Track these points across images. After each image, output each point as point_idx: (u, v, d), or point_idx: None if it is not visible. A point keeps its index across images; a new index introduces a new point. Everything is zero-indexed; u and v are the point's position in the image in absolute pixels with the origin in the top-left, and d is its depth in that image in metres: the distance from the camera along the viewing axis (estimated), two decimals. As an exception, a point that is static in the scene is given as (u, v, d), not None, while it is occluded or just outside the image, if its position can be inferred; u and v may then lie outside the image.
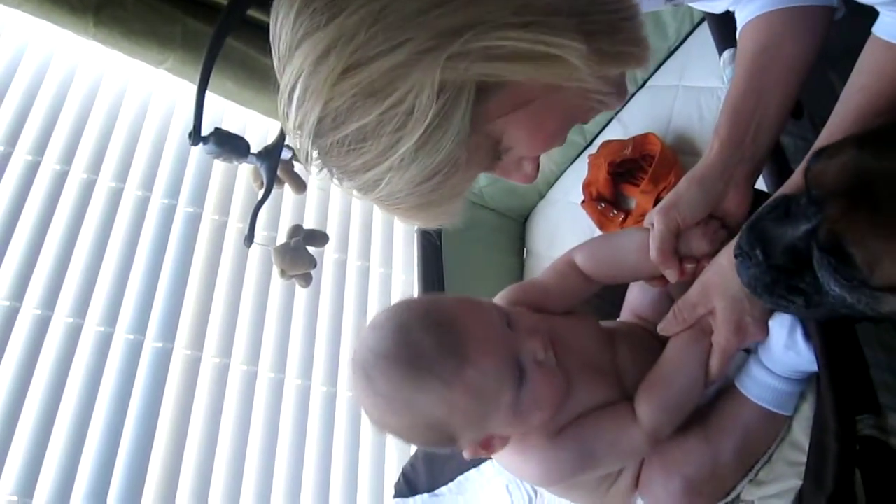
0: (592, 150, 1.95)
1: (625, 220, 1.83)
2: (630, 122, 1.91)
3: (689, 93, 1.79)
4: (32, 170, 1.92)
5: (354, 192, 0.78)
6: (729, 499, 1.05)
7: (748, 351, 1.05)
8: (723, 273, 0.99)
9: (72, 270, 1.87)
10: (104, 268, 1.91)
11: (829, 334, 0.94)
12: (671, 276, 1.06)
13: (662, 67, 1.90)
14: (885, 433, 0.89)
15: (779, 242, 0.82)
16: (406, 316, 0.98)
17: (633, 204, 1.85)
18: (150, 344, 1.88)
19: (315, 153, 0.75)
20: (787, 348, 0.98)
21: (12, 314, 1.76)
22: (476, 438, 0.99)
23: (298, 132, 0.74)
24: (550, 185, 2.16)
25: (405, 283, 2.21)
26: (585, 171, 1.93)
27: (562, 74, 0.72)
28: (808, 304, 0.83)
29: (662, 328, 1.05)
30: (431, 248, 2.00)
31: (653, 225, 1.07)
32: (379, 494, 1.88)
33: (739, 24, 1.12)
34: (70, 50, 2.07)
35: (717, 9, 1.17)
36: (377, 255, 2.26)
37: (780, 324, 0.98)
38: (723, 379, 1.06)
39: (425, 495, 1.59)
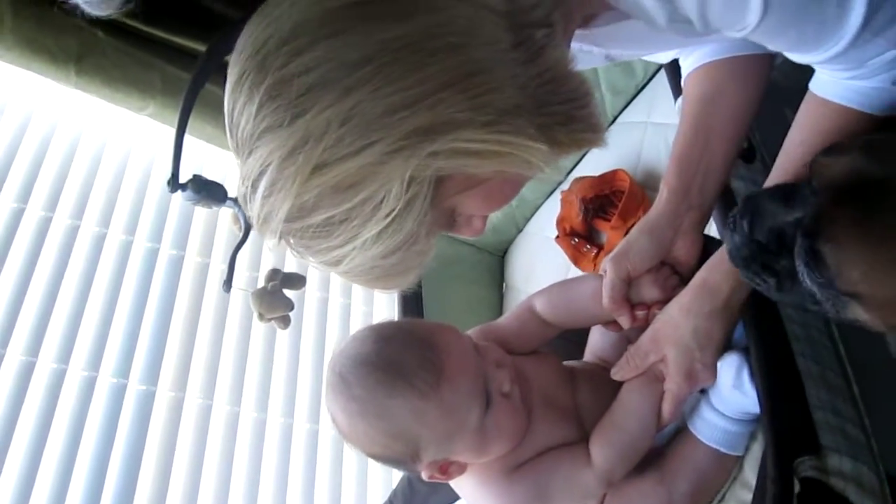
0: (566, 185, 1.98)
1: (598, 255, 1.86)
2: (601, 158, 1.95)
3: (657, 129, 1.83)
4: (16, 217, 1.95)
5: (317, 266, 0.80)
6: (684, 538, 1.07)
7: (703, 392, 1.08)
8: (673, 322, 1.03)
9: (56, 315, 1.89)
10: (88, 312, 1.94)
11: (772, 375, 0.97)
12: (623, 322, 1.09)
13: (631, 105, 1.94)
14: (825, 474, 0.91)
15: (768, 221, 0.85)
16: (389, 330, 1.04)
17: (605, 239, 1.88)
18: (135, 387, 1.90)
19: (278, 236, 0.76)
20: (734, 388, 1.01)
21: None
22: (437, 459, 1.03)
23: (264, 221, 0.75)
24: (527, 219, 2.19)
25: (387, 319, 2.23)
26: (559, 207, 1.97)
27: (522, 167, 0.75)
28: (780, 287, 0.86)
29: (615, 373, 1.09)
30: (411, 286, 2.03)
31: (605, 272, 1.10)
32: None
33: (684, 73, 1.15)
34: (50, 107, 2.11)
35: (662, 59, 1.21)
36: (359, 293, 2.28)
37: (728, 364, 1.02)
38: (679, 420, 1.10)
39: (405, 530, 1.62)
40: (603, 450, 1.04)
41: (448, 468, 1.05)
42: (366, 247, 0.73)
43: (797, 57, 0.86)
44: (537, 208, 2.17)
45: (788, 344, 1.02)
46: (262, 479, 1.94)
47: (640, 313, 1.08)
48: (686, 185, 1.09)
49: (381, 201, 0.70)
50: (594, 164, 1.97)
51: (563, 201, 1.95)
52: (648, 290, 1.09)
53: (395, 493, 1.64)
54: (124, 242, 2.06)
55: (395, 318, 2.04)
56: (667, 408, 1.04)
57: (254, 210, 0.75)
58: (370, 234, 0.72)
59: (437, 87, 0.68)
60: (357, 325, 2.27)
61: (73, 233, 2.01)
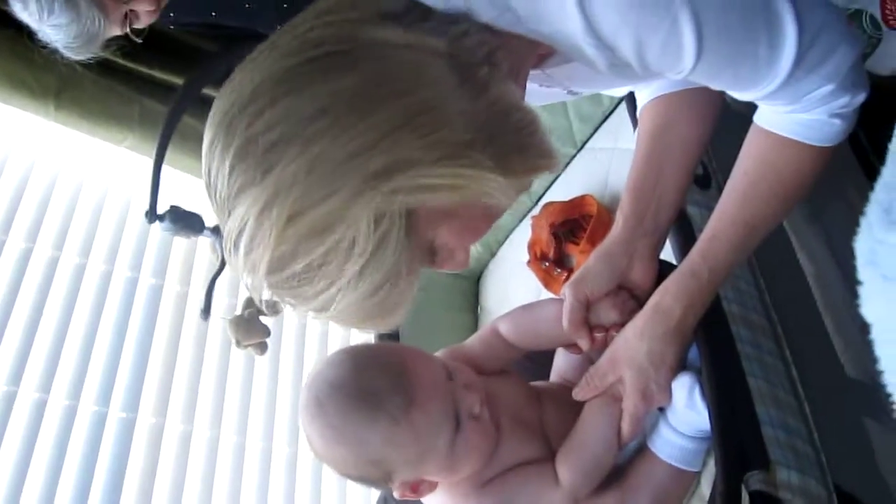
0: (536, 210, 2.03)
1: (567, 278, 1.90)
2: (571, 183, 1.99)
3: (624, 154, 1.88)
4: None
5: (311, 315, 0.81)
6: (645, 551, 1.12)
7: (662, 410, 1.12)
8: (629, 345, 1.07)
9: (37, 345, 1.93)
10: (69, 340, 1.97)
11: (722, 394, 1.02)
12: (583, 344, 1.13)
13: (598, 131, 1.99)
14: (773, 487, 0.96)
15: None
16: (362, 357, 1.07)
17: (575, 262, 1.92)
18: (116, 413, 1.93)
19: (266, 290, 0.78)
20: (687, 408, 1.05)
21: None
22: (409, 479, 1.07)
23: (249, 276, 0.77)
24: (500, 244, 2.24)
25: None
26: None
27: (482, 198, 0.78)
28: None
29: (576, 394, 1.13)
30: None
31: (565, 297, 1.15)
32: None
33: (639, 105, 1.20)
34: (29, 141, 2.16)
35: (619, 93, 1.26)
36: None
37: (681, 385, 1.06)
38: (640, 437, 1.14)
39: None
40: (568, 469, 1.08)
41: (419, 487, 1.09)
42: (350, 287, 0.75)
43: (737, 94, 0.91)
44: (510, 233, 2.22)
45: (740, 363, 1.07)
46: (243, 500, 1.97)
47: (598, 335, 1.12)
48: (640, 214, 1.13)
49: (354, 241, 0.72)
50: (563, 189, 2.02)
51: (534, 226, 1.99)
52: (606, 314, 1.13)
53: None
54: (104, 272, 2.10)
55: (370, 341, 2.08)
56: (625, 427, 1.08)
57: (238, 267, 0.77)
58: (351, 272, 0.74)
59: (390, 129, 0.72)
60: (336, 345, 2.31)
61: (53, 263, 2.05)
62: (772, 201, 0.99)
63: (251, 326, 1.69)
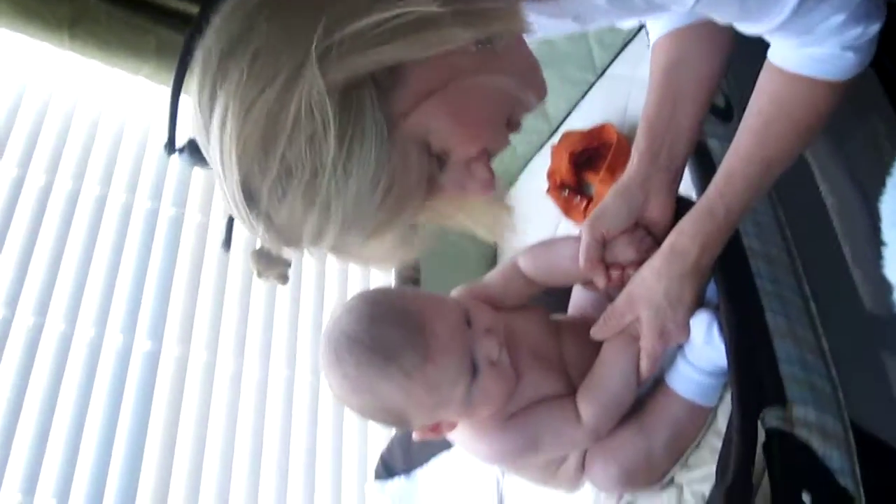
0: (556, 139, 2.01)
1: (587, 206, 1.90)
2: (590, 112, 1.98)
3: (644, 83, 1.83)
4: (18, 184, 2.01)
5: (327, 250, 0.79)
6: (663, 481, 1.14)
7: (681, 347, 1.13)
8: (646, 285, 1.08)
9: (62, 277, 1.96)
10: (92, 272, 2.00)
11: (739, 331, 1.02)
12: (599, 282, 1.14)
13: (618, 58, 1.96)
14: (790, 424, 0.96)
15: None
16: (379, 309, 1.08)
17: (594, 190, 1.92)
18: (141, 344, 1.97)
19: (266, 231, 0.78)
20: (706, 344, 1.06)
21: (6, 323, 1.86)
22: (426, 423, 1.10)
23: (233, 196, 0.75)
24: (520, 172, 2.23)
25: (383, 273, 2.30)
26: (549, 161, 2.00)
27: (435, 42, 0.73)
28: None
29: (595, 333, 1.14)
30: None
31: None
32: (364, 479, 1.97)
33: (651, 40, 1.18)
34: (47, 72, 2.16)
35: (628, 26, 1.23)
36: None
37: (700, 321, 1.07)
38: (658, 373, 1.15)
39: (402, 477, 1.69)
40: (590, 407, 1.11)
41: (439, 427, 1.11)
42: (340, 184, 0.71)
43: (745, 28, 0.89)
44: (529, 162, 2.21)
45: (759, 300, 1.07)
46: (266, 428, 2.02)
47: (614, 273, 1.13)
48: (655, 150, 1.12)
49: (313, 116, 0.69)
50: (583, 118, 2.00)
51: (553, 155, 1.98)
52: (623, 251, 1.13)
53: (392, 440, 1.71)
54: (125, 203, 2.11)
55: (392, 275, 2.09)
56: (644, 365, 1.10)
57: (225, 194, 0.77)
58: (330, 160, 0.70)
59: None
60: (355, 277, 2.33)
61: (74, 196, 2.07)
62: (787, 139, 0.98)
63: (272, 257, 1.70)
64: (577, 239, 1.15)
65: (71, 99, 2.18)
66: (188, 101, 0.78)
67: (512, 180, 2.25)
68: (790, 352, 1.04)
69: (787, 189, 1.27)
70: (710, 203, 1.02)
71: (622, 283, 1.12)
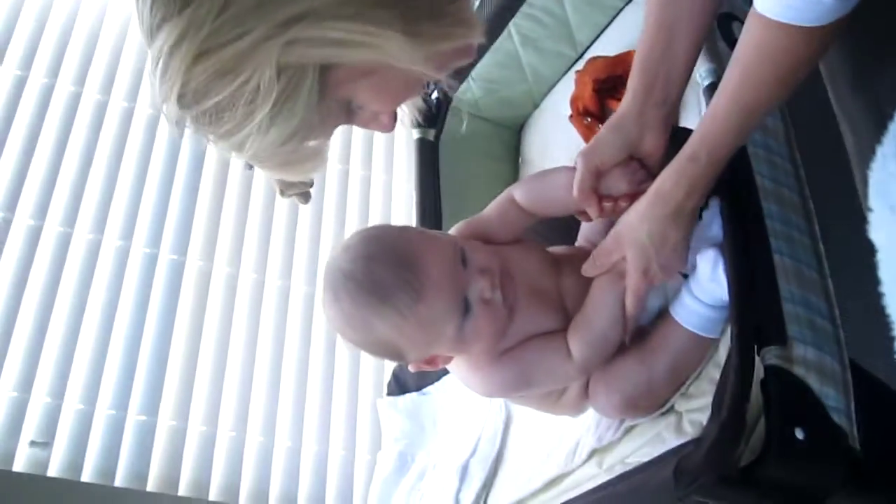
0: (580, 65, 1.99)
1: (609, 134, 1.90)
2: (617, 38, 1.95)
3: (672, 9, 1.82)
4: (48, 92, 2.04)
5: (232, 154, 0.88)
6: (663, 409, 1.17)
7: (686, 278, 1.15)
8: (631, 226, 1.10)
9: (90, 188, 2.02)
10: (119, 185, 2.06)
11: (742, 269, 1.04)
12: (591, 212, 1.16)
13: (647, -17, 1.93)
14: (788, 362, 0.98)
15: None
16: (375, 246, 1.11)
17: (617, 118, 1.91)
18: (166, 256, 2.04)
19: (184, 121, 0.85)
20: (711, 280, 1.08)
21: (35, 232, 1.92)
22: (421, 358, 1.15)
23: (164, 103, 0.83)
24: (544, 95, 2.21)
25: (405, 191, 2.33)
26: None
27: (388, 59, 0.82)
28: None
29: (585, 270, 1.17)
30: (428, 158, 2.07)
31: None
32: (379, 393, 2.03)
33: None
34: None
35: None
36: (379, 163, 2.38)
37: (707, 258, 1.09)
38: (663, 302, 1.18)
39: (414, 394, 1.75)
40: (579, 344, 1.14)
41: (434, 360, 1.16)
42: (261, 132, 0.81)
43: None
44: (553, 85, 2.18)
45: (766, 240, 1.08)
46: (287, 340, 2.09)
47: (606, 205, 1.15)
48: (649, 85, 1.12)
49: (258, 86, 0.78)
50: (609, 44, 1.97)
51: (577, 81, 1.96)
52: (616, 183, 1.15)
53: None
54: (151, 116, 2.14)
55: (413, 195, 2.11)
56: (629, 303, 1.13)
57: (154, 94, 0.83)
58: (260, 117, 0.79)
59: None
60: (378, 194, 2.37)
61: (102, 107, 2.10)
62: (767, 85, 0.97)
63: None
64: (572, 169, 1.16)
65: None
66: None
67: (536, 102, 2.23)
68: (794, 292, 1.05)
69: (806, 126, 1.27)
70: (693, 148, 1.03)
71: (614, 215, 1.15)
